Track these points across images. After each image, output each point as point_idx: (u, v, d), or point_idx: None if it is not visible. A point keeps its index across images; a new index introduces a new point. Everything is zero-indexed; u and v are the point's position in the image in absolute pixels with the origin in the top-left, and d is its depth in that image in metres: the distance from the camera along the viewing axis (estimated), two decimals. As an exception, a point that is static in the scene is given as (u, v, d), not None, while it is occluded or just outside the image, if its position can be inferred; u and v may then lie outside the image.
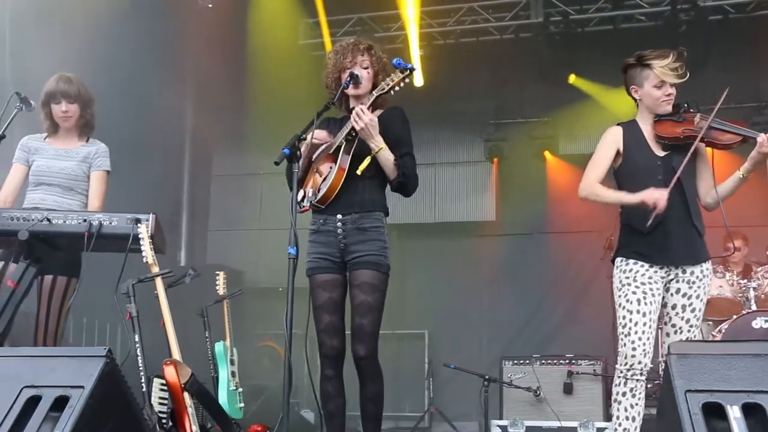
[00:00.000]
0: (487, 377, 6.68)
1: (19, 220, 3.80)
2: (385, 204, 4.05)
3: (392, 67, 4.01)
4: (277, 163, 3.56)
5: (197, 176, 10.09)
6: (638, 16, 8.51)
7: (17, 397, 2.39)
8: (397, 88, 3.87)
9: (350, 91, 4.02)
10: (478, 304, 9.28)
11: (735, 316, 6.12)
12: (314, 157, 4.06)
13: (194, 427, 3.50)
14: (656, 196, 3.76)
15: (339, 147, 3.94)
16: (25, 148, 4.56)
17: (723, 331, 6.10)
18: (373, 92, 3.91)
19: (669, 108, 3.99)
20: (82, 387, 2.37)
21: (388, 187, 4.07)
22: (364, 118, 3.81)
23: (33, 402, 2.39)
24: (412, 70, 3.83)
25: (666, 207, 3.80)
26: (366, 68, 4.02)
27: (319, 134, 3.99)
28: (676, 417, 2.35)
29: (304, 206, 3.99)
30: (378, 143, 3.86)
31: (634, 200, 3.85)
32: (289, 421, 3.44)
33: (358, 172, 3.88)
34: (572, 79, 9.05)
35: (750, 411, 2.31)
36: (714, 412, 2.33)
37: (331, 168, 3.93)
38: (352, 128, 3.88)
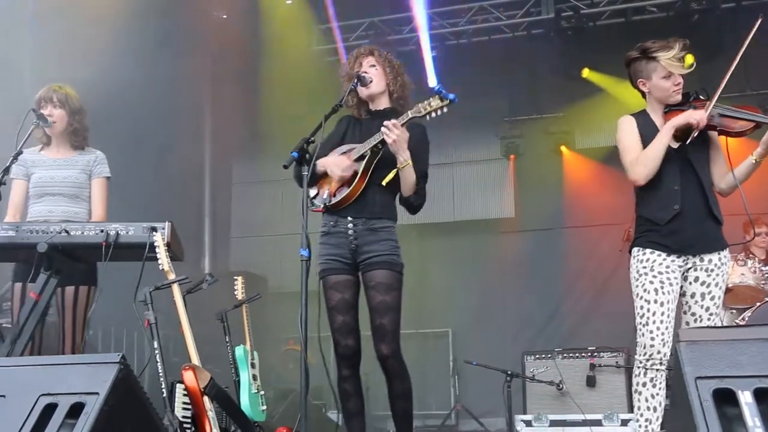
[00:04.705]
0: (509, 373, 6.67)
1: (38, 232, 3.86)
2: (395, 212, 4.10)
3: (406, 71, 4.10)
4: (286, 167, 3.60)
5: (218, 184, 10.24)
6: (649, 7, 8.51)
7: (34, 404, 2.43)
8: (433, 115, 3.81)
9: (363, 92, 4.09)
10: (501, 301, 9.27)
11: (758, 303, 6.06)
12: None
13: (215, 431, 3.53)
14: (698, 116, 3.77)
15: (363, 156, 3.97)
16: (23, 162, 4.54)
17: (747, 319, 6.05)
18: (409, 113, 3.88)
19: (679, 98, 3.95)
20: (97, 393, 2.41)
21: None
22: (396, 131, 3.81)
23: (50, 409, 2.42)
24: (453, 101, 3.74)
25: (683, 197, 3.81)
26: (373, 66, 4.11)
27: (340, 161, 4.01)
28: (687, 404, 2.33)
29: (317, 206, 4.04)
30: (406, 158, 3.88)
31: (681, 120, 3.81)
32: (307, 422, 3.48)
33: (383, 183, 3.93)
34: (586, 73, 9.04)
35: (762, 396, 2.27)
36: (725, 398, 2.30)
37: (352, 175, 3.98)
38: (381, 141, 3.89)
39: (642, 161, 3.88)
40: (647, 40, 4.01)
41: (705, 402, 2.29)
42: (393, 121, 3.85)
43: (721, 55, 7.79)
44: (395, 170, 3.92)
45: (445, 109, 3.77)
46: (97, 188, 4.63)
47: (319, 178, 4.08)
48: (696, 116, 3.78)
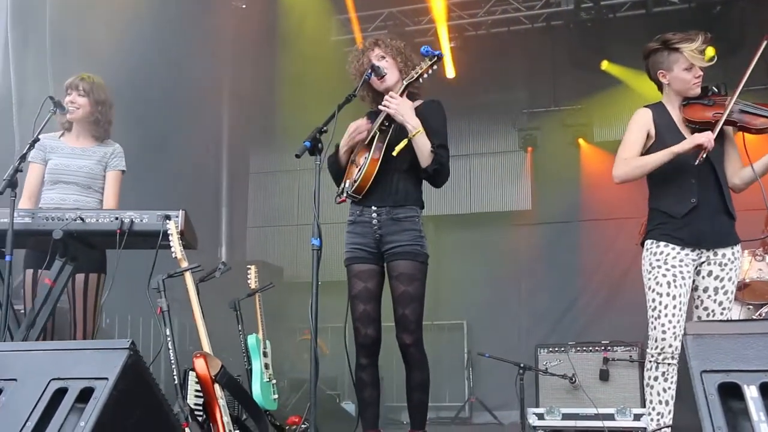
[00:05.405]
0: (522, 365, 6.66)
1: (54, 219, 3.90)
2: (420, 198, 4.09)
3: (413, 52, 4.12)
4: (298, 156, 3.61)
5: (235, 174, 10.27)
6: (670, -1, 8.42)
7: (45, 388, 2.46)
8: (425, 75, 3.93)
9: (379, 85, 4.09)
10: (516, 294, 9.28)
11: (776, 299, 6.02)
12: (354, 149, 4.15)
13: (225, 418, 3.55)
14: (705, 138, 3.72)
15: (373, 137, 4.00)
16: (41, 147, 4.53)
17: (764, 314, 6.00)
18: (403, 81, 3.98)
19: (698, 91, 3.94)
20: (106, 379, 2.43)
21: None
22: (395, 101, 3.89)
23: (60, 393, 2.45)
24: (440, 57, 3.89)
25: (699, 191, 3.80)
26: (382, 57, 4.10)
27: (361, 124, 4.07)
28: (692, 398, 2.33)
29: (341, 197, 4.08)
30: (415, 125, 3.90)
31: (687, 146, 3.75)
32: (321, 412, 3.50)
33: (394, 153, 3.92)
34: (605, 65, 8.98)
35: (768, 391, 2.28)
36: (731, 393, 2.29)
37: (365, 158, 4.00)
38: (386, 118, 3.95)
39: (637, 164, 3.90)
40: (668, 32, 4.00)
41: (710, 396, 2.28)
42: (390, 93, 3.95)
43: (744, 48, 7.71)
44: (406, 139, 3.92)
45: (435, 67, 3.92)
46: (110, 180, 4.63)
47: (345, 169, 4.13)
48: (702, 139, 3.74)
